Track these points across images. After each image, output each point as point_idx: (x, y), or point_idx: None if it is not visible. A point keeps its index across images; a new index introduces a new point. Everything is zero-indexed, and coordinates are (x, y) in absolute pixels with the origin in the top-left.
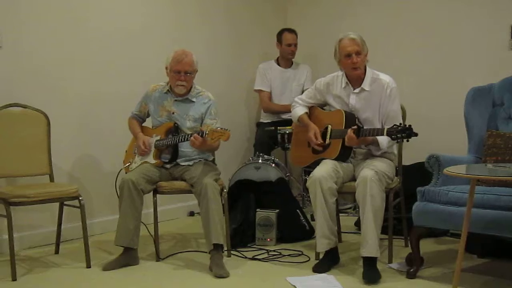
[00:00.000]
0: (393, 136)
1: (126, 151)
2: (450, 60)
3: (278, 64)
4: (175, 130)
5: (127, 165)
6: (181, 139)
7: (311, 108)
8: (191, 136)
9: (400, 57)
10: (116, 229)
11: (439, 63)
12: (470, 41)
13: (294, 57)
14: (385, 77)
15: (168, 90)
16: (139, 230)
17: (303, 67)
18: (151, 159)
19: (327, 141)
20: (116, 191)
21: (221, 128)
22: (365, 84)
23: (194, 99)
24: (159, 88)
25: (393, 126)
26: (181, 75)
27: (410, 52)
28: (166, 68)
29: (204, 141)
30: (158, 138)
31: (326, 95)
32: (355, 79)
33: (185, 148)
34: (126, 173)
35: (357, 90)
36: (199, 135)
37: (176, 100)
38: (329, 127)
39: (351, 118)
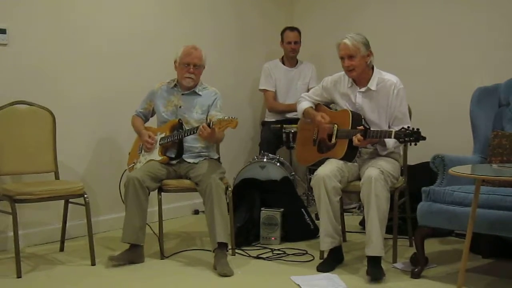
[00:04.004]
0: (401, 140)
1: (129, 154)
2: (456, 60)
3: (283, 63)
4: (179, 127)
5: (131, 165)
6: (187, 133)
7: (316, 106)
8: (197, 129)
9: (406, 57)
10: (123, 227)
11: (445, 62)
12: (476, 41)
13: (295, 54)
14: (392, 78)
15: (175, 84)
16: (145, 227)
17: (308, 65)
18: (156, 156)
19: (333, 140)
20: (120, 193)
21: (229, 117)
22: (372, 84)
23: (200, 93)
24: (165, 84)
25: (401, 129)
26: (190, 67)
27: (416, 51)
28: (175, 62)
29: (213, 132)
30: (162, 135)
31: (333, 93)
32: (360, 79)
33: (189, 143)
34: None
35: (363, 89)
36: (207, 125)
37: (183, 94)
38: (335, 126)
39: (357, 118)
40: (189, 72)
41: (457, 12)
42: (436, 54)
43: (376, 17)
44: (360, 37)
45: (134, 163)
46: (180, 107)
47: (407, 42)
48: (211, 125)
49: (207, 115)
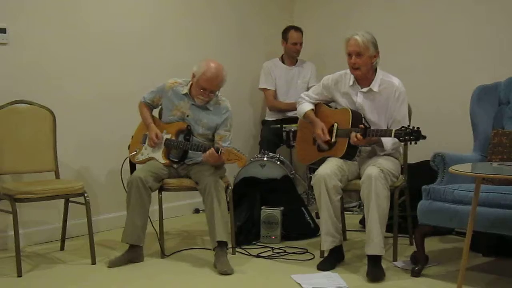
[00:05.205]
0: (401, 138)
1: (132, 137)
2: (456, 58)
3: (283, 62)
4: (187, 132)
5: (133, 153)
6: (193, 148)
7: (317, 105)
8: (205, 149)
9: (407, 55)
10: (124, 227)
11: (445, 61)
12: (476, 39)
13: (298, 55)
14: (395, 80)
15: (186, 93)
16: (146, 228)
17: (308, 64)
18: (160, 157)
19: (333, 139)
20: (123, 184)
21: (238, 151)
22: (374, 85)
23: (211, 108)
24: (178, 86)
25: (401, 128)
26: (206, 92)
27: (417, 49)
28: (193, 75)
29: (220, 158)
30: (168, 136)
31: (333, 92)
32: (362, 79)
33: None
34: (130, 161)
35: (364, 89)
36: (215, 151)
37: (193, 105)
38: (335, 125)
39: (357, 117)
40: (204, 96)
41: (457, 10)
42: (436, 52)
43: (376, 15)
44: (370, 36)
45: (135, 151)
46: (187, 116)
47: (407, 40)
48: (219, 151)
49: (213, 132)
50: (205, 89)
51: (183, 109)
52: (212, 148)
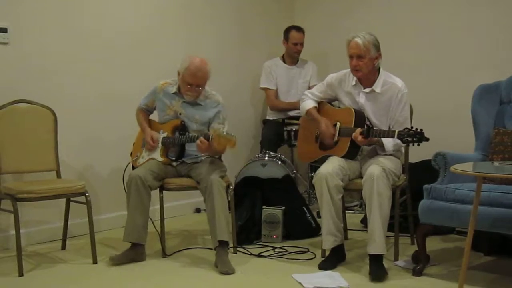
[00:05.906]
0: (404, 140)
1: (133, 144)
2: (457, 57)
3: (284, 62)
4: (182, 128)
5: (134, 158)
6: (188, 140)
7: (320, 103)
8: (197, 138)
9: (407, 54)
10: (125, 226)
11: (447, 60)
12: (478, 38)
13: (299, 55)
14: (398, 82)
15: (176, 91)
16: (147, 226)
17: (309, 64)
18: (158, 156)
19: (335, 138)
20: (124, 187)
21: (228, 133)
22: (377, 86)
23: (202, 103)
24: (168, 87)
25: (404, 129)
26: (193, 87)
27: (417, 49)
28: (178, 73)
29: (210, 145)
30: (165, 135)
31: (337, 91)
32: (365, 80)
33: (191, 147)
34: (133, 166)
35: (367, 90)
36: (205, 138)
37: (184, 102)
38: (338, 124)
39: (360, 117)
40: (191, 91)
41: (458, 9)
42: (438, 51)
43: (378, 15)
44: (372, 37)
45: (137, 156)
46: (180, 113)
47: (408, 40)
48: (210, 138)
49: (208, 127)
50: (191, 84)
51: (175, 107)
52: (201, 137)
